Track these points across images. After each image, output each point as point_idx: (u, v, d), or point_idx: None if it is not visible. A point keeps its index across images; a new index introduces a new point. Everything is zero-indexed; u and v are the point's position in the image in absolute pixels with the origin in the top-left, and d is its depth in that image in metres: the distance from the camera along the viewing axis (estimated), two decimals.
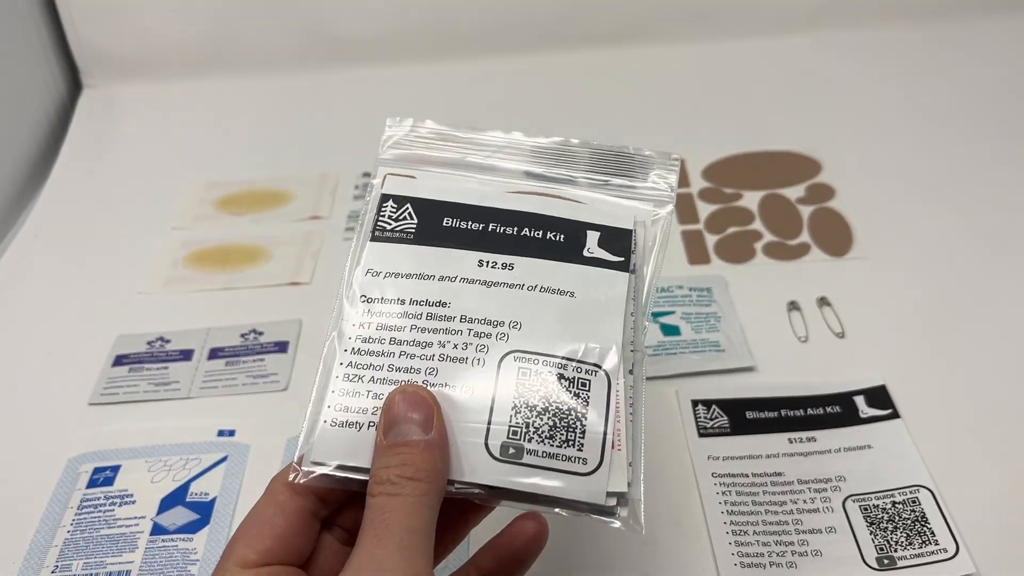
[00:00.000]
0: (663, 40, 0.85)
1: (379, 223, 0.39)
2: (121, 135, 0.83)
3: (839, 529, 0.46)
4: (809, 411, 0.53)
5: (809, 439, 0.51)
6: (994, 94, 0.78)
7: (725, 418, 0.52)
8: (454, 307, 0.36)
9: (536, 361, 0.35)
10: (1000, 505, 0.47)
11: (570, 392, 0.34)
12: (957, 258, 0.62)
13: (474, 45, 0.85)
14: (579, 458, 0.33)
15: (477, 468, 0.33)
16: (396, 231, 0.39)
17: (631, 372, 0.36)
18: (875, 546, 0.45)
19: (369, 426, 0.34)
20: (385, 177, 0.40)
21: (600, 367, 0.35)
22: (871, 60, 0.83)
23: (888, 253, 0.63)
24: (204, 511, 0.50)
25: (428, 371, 0.35)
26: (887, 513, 0.47)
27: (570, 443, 0.34)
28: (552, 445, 0.34)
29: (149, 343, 0.61)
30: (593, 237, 0.38)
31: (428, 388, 0.34)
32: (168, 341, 0.61)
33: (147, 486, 0.51)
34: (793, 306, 0.60)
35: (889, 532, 0.46)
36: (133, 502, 0.50)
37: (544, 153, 0.41)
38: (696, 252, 0.65)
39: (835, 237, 0.65)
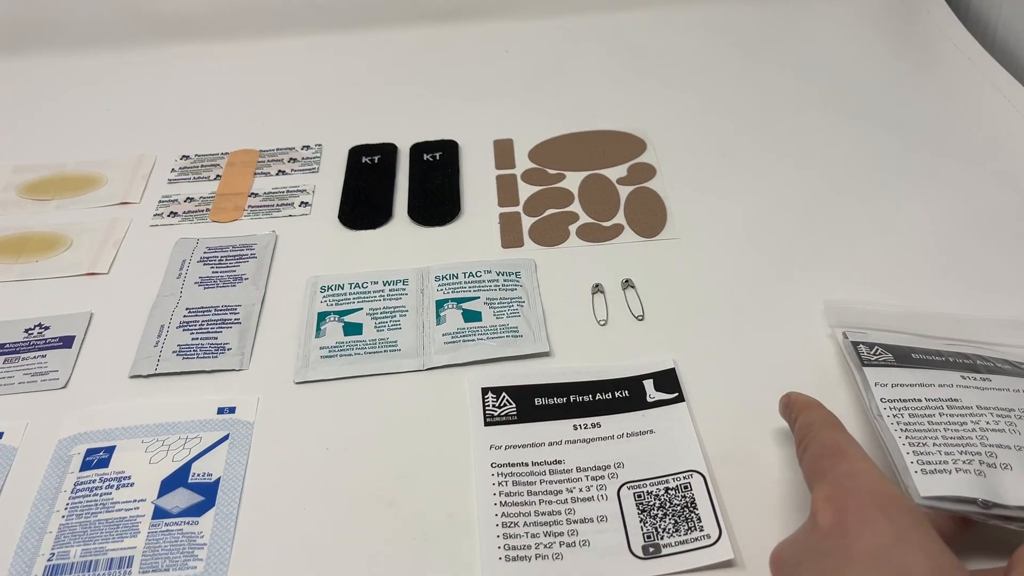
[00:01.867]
0: (499, 16, 0.83)
1: (861, 355, 0.50)
2: None
3: (611, 517, 0.46)
4: (598, 396, 0.52)
5: (594, 425, 0.50)
6: (819, 73, 0.78)
7: (513, 405, 0.52)
8: None
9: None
10: (766, 490, 0.47)
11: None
12: (761, 240, 0.62)
13: (297, 23, 0.83)
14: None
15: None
16: (878, 358, 0.50)
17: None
18: (643, 534, 0.45)
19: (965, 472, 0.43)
20: (844, 332, 0.53)
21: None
22: (706, 37, 0.83)
23: (696, 234, 0.63)
24: None
25: None
26: (659, 500, 0.46)
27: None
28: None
29: None
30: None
31: None
32: None
33: None
34: (597, 289, 0.59)
35: (659, 519, 0.45)
36: None
37: None
38: (511, 235, 0.64)
39: (649, 218, 0.64)
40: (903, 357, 0.50)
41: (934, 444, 0.44)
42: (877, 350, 0.51)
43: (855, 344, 0.51)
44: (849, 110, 0.74)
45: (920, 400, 0.47)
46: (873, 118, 0.72)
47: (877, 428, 0.46)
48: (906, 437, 0.45)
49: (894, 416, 0.46)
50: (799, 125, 0.72)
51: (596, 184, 0.68)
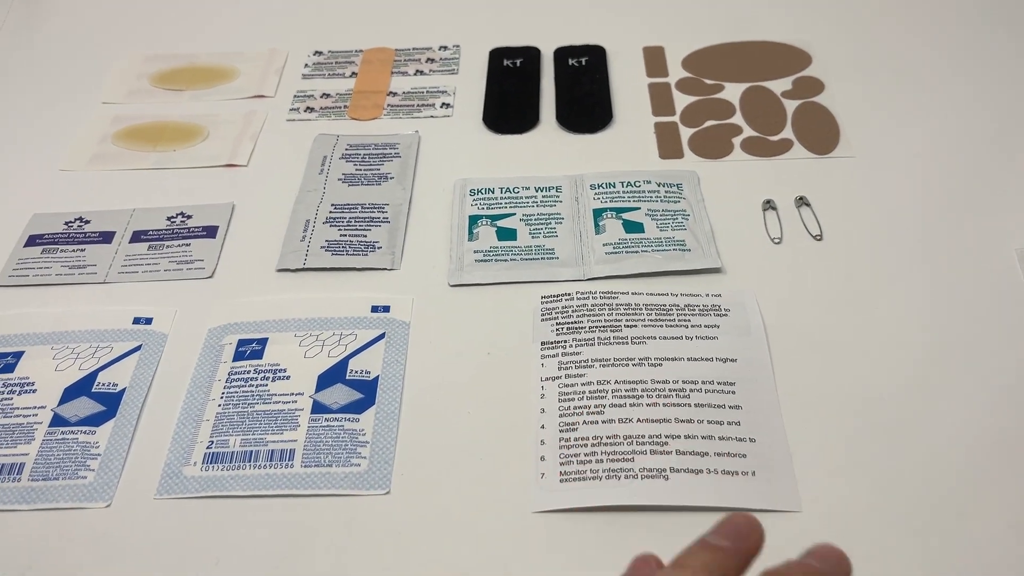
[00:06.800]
0: None
1: None
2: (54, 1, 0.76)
3: None
4: None
5: None
6: None
7: None
8: None
9: None
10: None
11: None
12: (946, 165, 0.57)
13: None
14: None
15: None
16: None
17: None
18: None
19: None
20: None
21: None
22: None
23: (874, 154, 0.58)
24: (111, 403, 0.46)
25: None
26: None
27: None
28: None
29: (67, 223, 0.56)
30: None
31: None
32: (88, 222, 0.56)
33: (51, 375, 0.47)
34: (769, 205, 0.55)
35: None
36: (34, 391, 0.46)
37: None
38: (669, 146, 0.60)
39: (820, 134, 0.59)
40: None
41: None
42: None
43: None
44: None
45: None
46: None
47: None
48: None
49: None
50: (987, 43, 0.66)
51: (759, 96, 0.63)
